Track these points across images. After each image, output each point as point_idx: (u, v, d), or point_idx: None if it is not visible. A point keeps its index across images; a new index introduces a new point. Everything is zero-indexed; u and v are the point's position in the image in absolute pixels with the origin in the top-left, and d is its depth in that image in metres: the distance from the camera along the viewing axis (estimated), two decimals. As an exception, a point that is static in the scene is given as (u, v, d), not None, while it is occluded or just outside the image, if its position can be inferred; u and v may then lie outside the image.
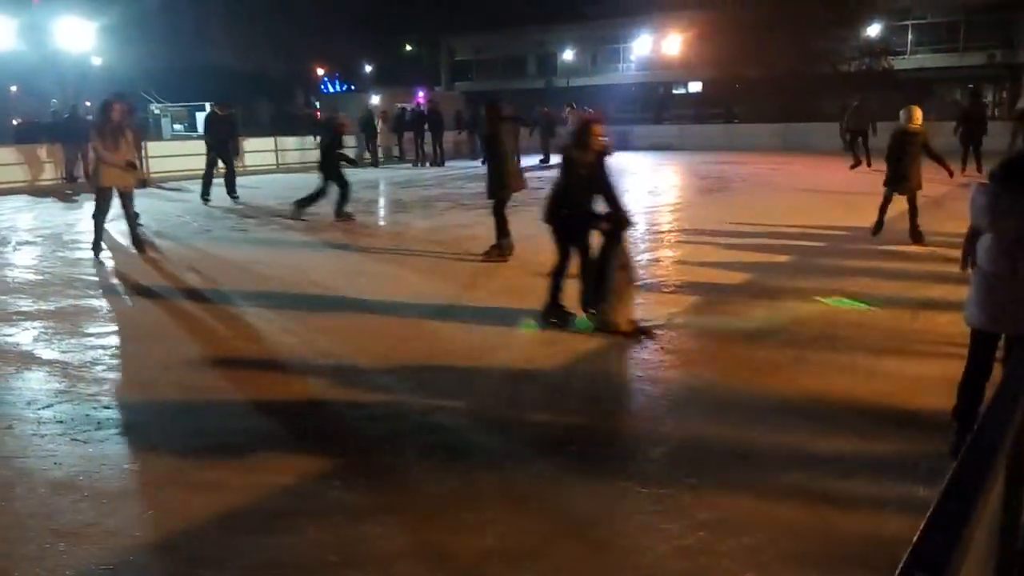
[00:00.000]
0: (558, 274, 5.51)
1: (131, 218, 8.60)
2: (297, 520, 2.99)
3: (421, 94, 37.28)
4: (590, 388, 4.43)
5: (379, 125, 26.29)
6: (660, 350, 5.00)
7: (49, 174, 17.93)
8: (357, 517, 3.01)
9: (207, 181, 13.42)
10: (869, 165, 15.98)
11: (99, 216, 8.42)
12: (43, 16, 27.10)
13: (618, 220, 5.25)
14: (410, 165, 22.41)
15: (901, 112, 8.36)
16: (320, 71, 50.47)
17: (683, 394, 4.32)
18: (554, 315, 5.50)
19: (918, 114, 8.16)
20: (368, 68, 52.77)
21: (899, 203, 8.42)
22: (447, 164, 21.73)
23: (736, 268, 7.40)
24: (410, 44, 51.52)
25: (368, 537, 2.88)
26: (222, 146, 13.53)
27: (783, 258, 7.95)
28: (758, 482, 3.24)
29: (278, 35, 40.83)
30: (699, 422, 3.89)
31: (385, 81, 47.32)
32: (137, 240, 8.72)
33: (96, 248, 8.50)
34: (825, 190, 13.86)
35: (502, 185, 7.71)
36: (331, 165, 10.98)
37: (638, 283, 5.48)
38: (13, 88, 41.68)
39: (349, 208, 11.06)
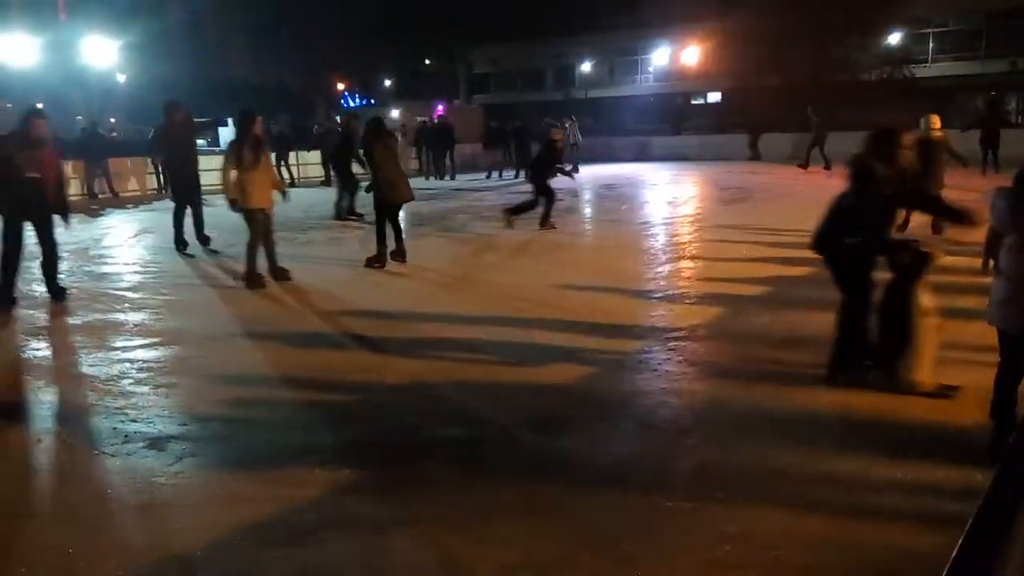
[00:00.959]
0: (854, 318, 4.43)
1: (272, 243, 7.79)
2: (323, 533, 3.00)
3: (440, 107, 37.49)
4: (614, 401, 4.41)
5: (399, 138, 26.52)
6: (684, 362, 4.98)
7: (74, 189, 18.19)
8: (382, 530, 3.02)
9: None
10: (828, 168, 18.17)
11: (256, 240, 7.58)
12: (69, 33, 27.56)
13: (921, 254, 4.19)
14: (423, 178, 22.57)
15: (921, 120, 9.28)
16: (340, 86, 50.89)
17: (708, 407, 4.29)
18: (848, 366, 4.46)
19: (936, 121, 9.12)
20: (387, 82, 53.16)
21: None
22: (458, 177, 21.80)
23: (760, 279, 7.36)
24: (429, 58, 51.85)
25: (394, 549, 2.89)
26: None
27: (806, 268, 7.88)
28: (785, 496, 3.22)
29: (299, 50, 41.25)
30: (724, 435, 3.86)
31: (404, 95, 47.65)
32: (275, 267, 7.80)
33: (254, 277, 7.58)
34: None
35: (377, 194, 8.35)
36: (345, 168, 12.13)
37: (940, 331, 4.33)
38: (39, 104, 42.49)
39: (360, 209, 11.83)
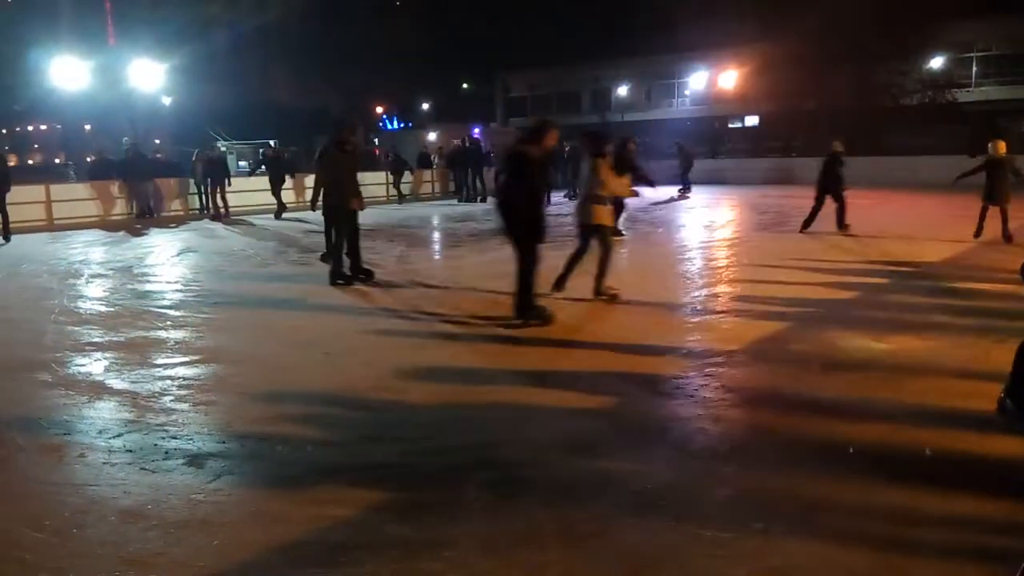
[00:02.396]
0: None
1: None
2: (356, 553, 3.00)
3: (476, 131, 37.80)
4: (649, 426, 4.36)
5: (435, 160, 26.76)
6: (721, 388, 4.92)
7: (120, 209, 18.65)
8: (415, 552, 3.01)
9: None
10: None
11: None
12: (118, 57, 28.38)
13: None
14: (455, 201, 22.74)
15: (989, 145, 11.34)
16: (379, 109, 51.58)
17: (746, 434, 4.23)
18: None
19: (1002, 145, 11.22)
20: (425, 106, 53.76)
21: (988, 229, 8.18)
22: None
23: (798, 305, 7.27)
24: (466, 82, 52.40)
25: (426, 572, 2.88)
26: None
27: (847, 295, 7.77)
28: (827, 527, 3.15)
29: (338, 74, 41.93)
30: (763, 464, 3.80)
31: (442, 118, 48.15)
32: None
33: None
34: (886, 226, 13.56)
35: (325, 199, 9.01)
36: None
37: None
38: (87, 127, 43.60)
39: None
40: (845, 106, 29.19)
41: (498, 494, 3.49)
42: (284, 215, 18.50)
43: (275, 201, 18.79)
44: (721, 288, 8.45)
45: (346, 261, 8.91)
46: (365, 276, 9.01)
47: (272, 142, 29.80)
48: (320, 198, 9.04)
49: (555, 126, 6.68)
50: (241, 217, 18.52)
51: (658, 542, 3.06)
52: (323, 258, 9.73)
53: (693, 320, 6.96)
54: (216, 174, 18.65)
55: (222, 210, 18.54)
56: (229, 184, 18.95)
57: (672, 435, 4.27)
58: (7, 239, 14.36)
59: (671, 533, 3.13)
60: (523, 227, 6.50)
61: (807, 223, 12.79)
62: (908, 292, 7.88)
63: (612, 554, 2.98)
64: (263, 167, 20.11)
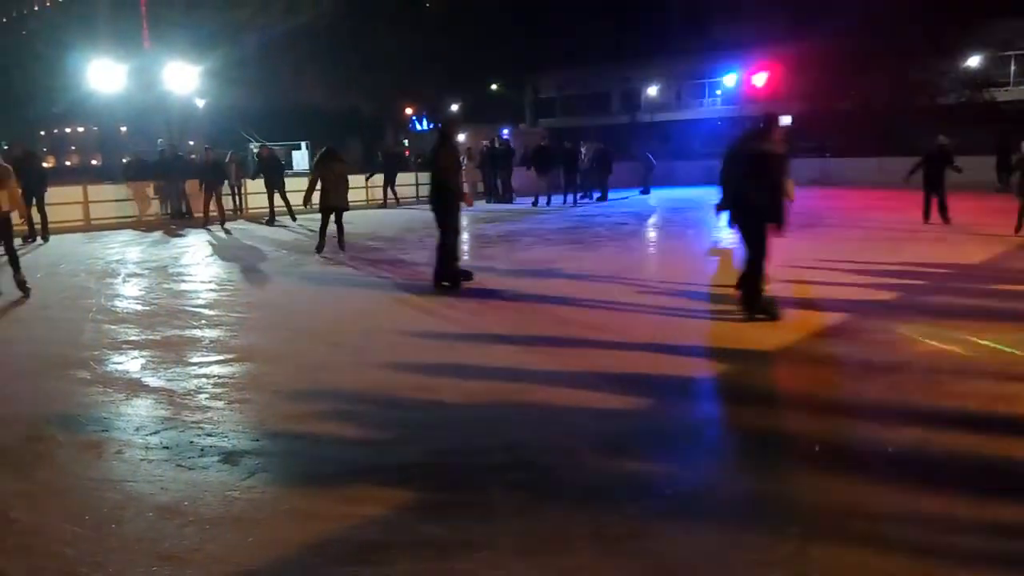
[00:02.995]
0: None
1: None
2: (389, 553, 3.01)
3: (505, 132, 37.82)
4: (681, 429, 4.33)
5: (464, 162, 26.84)
6: (756, 390, 4.87)
7: (155, 209, 18.94)
8: (447, 552, 3.01)
9: None
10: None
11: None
12: (153, 61, 28.82)
13: None
14: (484, 201, 22.73)
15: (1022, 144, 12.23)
16: (409, 110, 51.83)
17: (780, 437, 4.18)
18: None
19: None
20: (454, 107, 53.94)
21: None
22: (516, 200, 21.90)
23: (833, 307, 7.17)
24: (495, 83, 52.47)
25: (459, 572, 2.88)
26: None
27: (883, 296, 7.65)
28: (864, 533, 3.09)
29: (369, 76, 42.20)
30: (798, 467, 3.75)
31: (471, 119, 48.23)
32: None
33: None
34: (922, 227, 13.34)
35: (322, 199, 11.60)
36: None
37: None
38: (123, 129, 44.38)
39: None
40: (881, 106, 28.77)
41: (530, 495, 3.48)
42: (283, 220, 16.94)
43: (282, 204, 17.28)
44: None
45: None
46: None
47: (252, 143, 29.80)
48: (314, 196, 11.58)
49: (778, 117, 6.98)
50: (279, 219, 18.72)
51: (692, 546, 3.03)
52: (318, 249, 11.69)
53: (726, 320, 6.89)
54: (272, 175, 17.67)
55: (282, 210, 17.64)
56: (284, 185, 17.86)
57: (706, 438, 4.23)
58: (46, 239, 14.57)
59: (705, 537, 3.10)
60: (757, 221, 6.56)
61: (926, 214, 13.62)
62: (947, 293, 7.74)
63: (645, 558, 2.95)
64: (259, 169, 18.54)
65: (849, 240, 11.93)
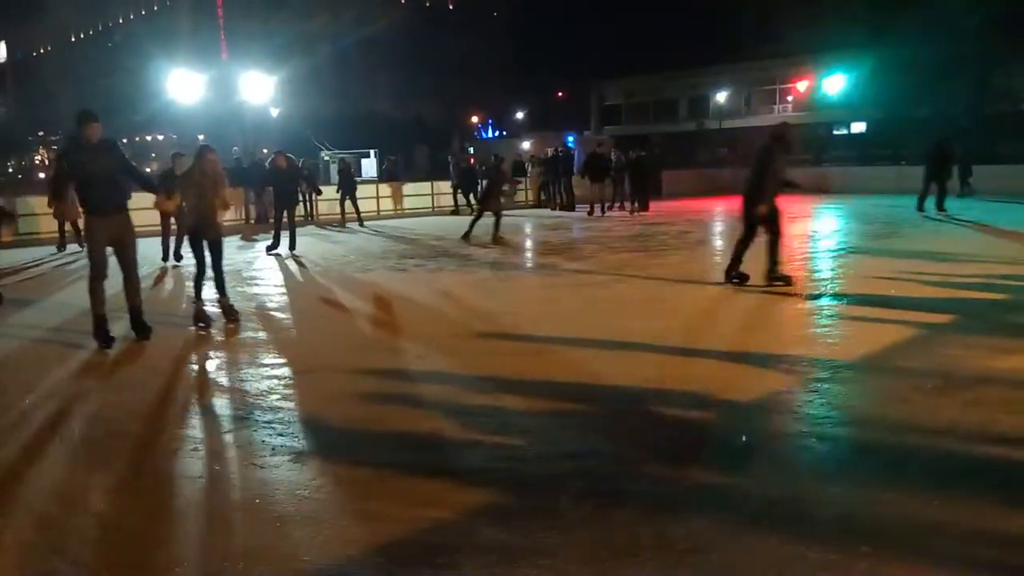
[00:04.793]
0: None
1: None
2: (454, 556, 3.03)
3: (571, 139, 37.79)
4: (751, 442, 4.25)
5: (529, 169, 26.90)
6: (827, 404, 4.75)
7: (231, 215, 19.52)
8: (512, 558, 3.01)
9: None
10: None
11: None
12: (229, 71, 29.78)
13: None
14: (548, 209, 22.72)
15: None
16: (475, 118, 52.30)
17: (853, 453, 4.06)
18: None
19: None
20: (520, 114, 54.21)
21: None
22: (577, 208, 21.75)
23: (909, 320, 6.93)
24: (561, 91, 52.56)
25: (524, 580, 2.88)
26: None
27: (962, 310, 7.36)
28: (942, 554, 2.98)
29: (436, 85, 42.78)
30: (871, 485, 3.63)
31: (536, 126, 48.38)
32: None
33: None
34: (1005, 237, 12.80)
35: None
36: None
37: None
38: (200, 136, 45.97)
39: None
40: (959, 113, 27.78)
41: (596, 504, 3.46)
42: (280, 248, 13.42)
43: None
44: (826, 300, 8.15)
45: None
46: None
47: (323, 151, 30.04)
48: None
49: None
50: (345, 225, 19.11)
51: (760, 561, 2.97)
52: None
53: (796, 333, 6.74)
54: (346, 183, 19.15)
55: (352, 216, 18.85)
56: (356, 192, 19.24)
57: (774, 451, 4.14)
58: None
59: (774, 552, 3.03)
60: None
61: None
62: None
63: (710, 571, 2.91)
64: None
65: (926, 252, 11.53)
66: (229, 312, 7.46)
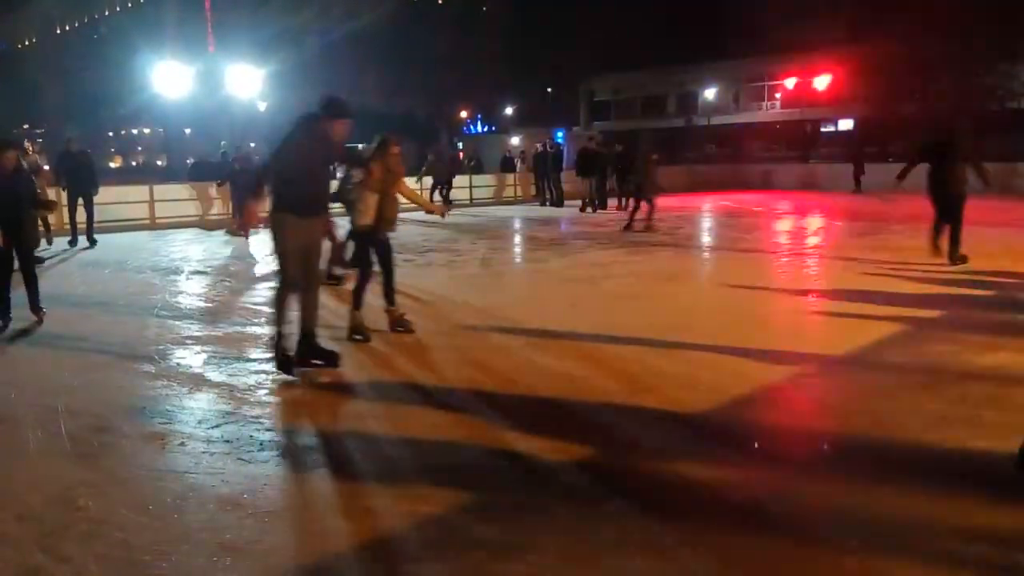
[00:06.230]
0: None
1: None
2: (446, 552, 3.02)
3: (560, 134, 37.81)
4: (740, 436, 4.26)
5: (518, 165, 26.89)
6: (815, 399, 4.77)
7: (218, 209, 19.40)
8: (503, 554, 3.01)
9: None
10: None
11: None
12: (216, 64, 29.58)
13: None
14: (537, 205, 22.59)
15: None
16: (463, 113, 52.19)
17: (841, 448, 4.08)
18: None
19: None
20: (509, 110, 54.13)
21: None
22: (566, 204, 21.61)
23: (896, 315, 6.98)
24: (550, 86, 52.56)
25: (510, 574, 2.87)
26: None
27: (948, 306, 7.41)
28: (932, 550, 3.00)
29: (425, 79, 42.68)
30: (861, 479, 3.65)
31: (525, 122, 48.33)
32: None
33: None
34: (989, 234, 12.89)
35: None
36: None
37: None
38: (187, 130, 45.72)
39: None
40: (946, 110, 27.92)
41: (586, 499, 3.47)
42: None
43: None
44: (812, 297, 8.19)
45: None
46: None
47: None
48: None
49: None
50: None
51: (750, 556, 2.98)
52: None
53: (784, 329, 6.77)
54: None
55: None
56: None
57: (764, 446, 4.15)
58: (92, 243, 13.39)
59: (763, 548, 3.04)
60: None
61: None
62: (1014, 306, 7.47)
63: (701, 567, 2.91)
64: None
65: (913, 248, 11.59)
66: (401, 323, 6.60)
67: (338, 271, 8.90)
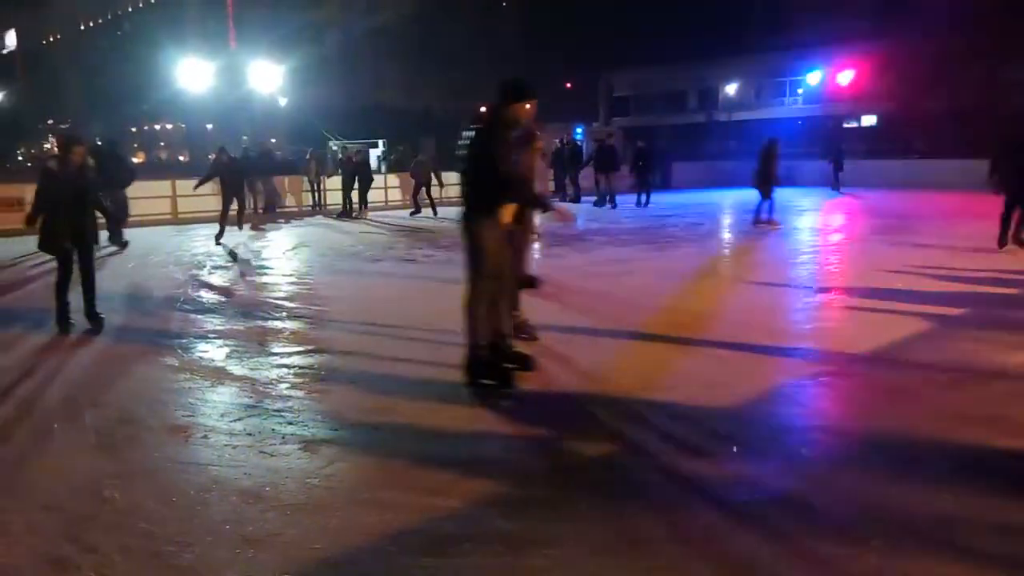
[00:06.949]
0: None
1: None
2: (464, 545, 3.03)
3: (579, 131, 37.68)
4: (761, 435, 4.24)
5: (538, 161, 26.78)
6: (837, 398, 4.74)
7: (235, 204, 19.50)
8: (522, 548, 3.01)
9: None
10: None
11: None
12: (238, 60, 29.75)
13: None
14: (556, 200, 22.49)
15: None
16: (482, 109, 52.14)
17: (863, 447, 4.04)
18: None
19: None
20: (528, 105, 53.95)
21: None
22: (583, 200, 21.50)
23: (921, 313, 6.90)
24: (569, 82, 52.36)
25: (532, 569, 2.88)
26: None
27: (973, 304, 7.33)
28: (954, 548, 2.97)
29: (444, 75, 42.69)
30: (882, 478, 3.62)
31: (544, 118, 48.12)
32: None
33: None
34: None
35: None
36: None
37: None
38: (209, 126, 46.01)
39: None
40: (972, 105, 27.58)
41: (607, 494, 3.46)
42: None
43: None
44: (836, 295, 8.12)
45: None
46: None
47: (332, 141, 29.97)
48: None
49: None
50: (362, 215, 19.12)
51: (770, 553, 2.96)
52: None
53: (805, 327, 6.72)
54: (363, 175, 19.27)
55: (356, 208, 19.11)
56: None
57: (784, 445, 4.13)
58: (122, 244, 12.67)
59: (783, 545, 3.02)
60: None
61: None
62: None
63: (724, 564, 2.90)
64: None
65: (937, 246, 11.47)
66: (525, 328, 6.13)
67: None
